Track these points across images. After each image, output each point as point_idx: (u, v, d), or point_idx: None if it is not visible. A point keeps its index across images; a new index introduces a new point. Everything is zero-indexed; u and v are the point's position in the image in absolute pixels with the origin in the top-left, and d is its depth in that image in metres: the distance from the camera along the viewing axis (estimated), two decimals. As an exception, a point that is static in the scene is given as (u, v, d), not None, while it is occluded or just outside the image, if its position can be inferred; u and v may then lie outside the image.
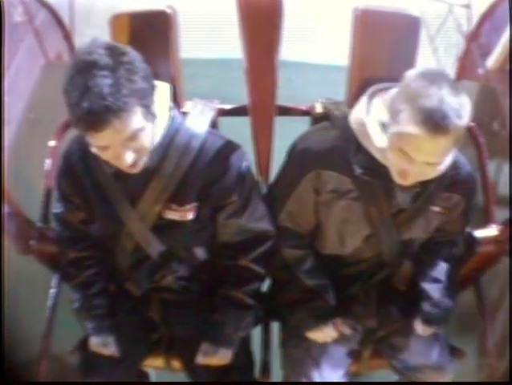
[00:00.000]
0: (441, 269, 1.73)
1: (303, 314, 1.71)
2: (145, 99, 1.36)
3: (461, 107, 1.32)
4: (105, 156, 1.41)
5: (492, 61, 2.10)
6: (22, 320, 1.96)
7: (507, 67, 1.88)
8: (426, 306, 1.71)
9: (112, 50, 1.31)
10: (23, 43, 1.84)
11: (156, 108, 1.43)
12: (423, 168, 1.40)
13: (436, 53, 3.89)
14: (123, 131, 1.33)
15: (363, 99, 1.54)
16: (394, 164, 1.44)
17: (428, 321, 1.71)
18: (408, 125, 1.33)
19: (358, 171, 1.51)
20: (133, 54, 1.35)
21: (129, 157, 1.39)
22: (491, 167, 2.10)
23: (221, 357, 1.70)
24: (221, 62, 3.71)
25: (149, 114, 1.39)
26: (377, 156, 1.48)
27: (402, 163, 1.40)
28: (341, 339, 1.74)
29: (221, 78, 3.57)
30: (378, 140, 1.46)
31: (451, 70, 3.78)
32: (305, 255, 1.71)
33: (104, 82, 1.27)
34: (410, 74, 1.38)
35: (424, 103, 1.31)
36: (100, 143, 1.36)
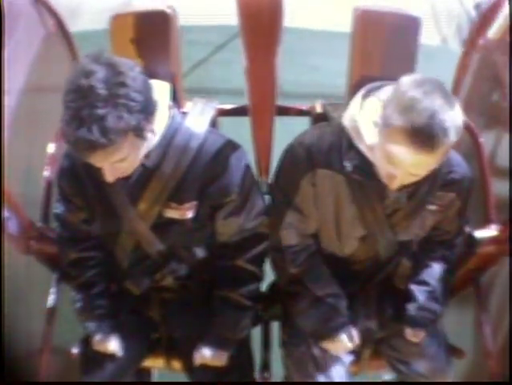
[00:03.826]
0: (432, 271, 1.73)
1: (317, 324, 1.69)
2: (138, 127, 1.37)
3: (451, 124, 1.31)
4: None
5: (493, 31, 2.06)
6: (22, 320, 1.96)
7: (508, 38, 1.86)
8: (411, 310, 1.71)
9: (110, 78, 1.30)
10: (23, 15, 1.82)
11: (155, 124, 1.44)
12: (409, 176, 1.42)
13: (438, 22, 3.88)
14: (110, 159, 1.38)
15: (358, 98, 1.54)
16: (381, 166, 1.44)
17: (413, 324, 1.71)
18: (396, 139, 1.34)
19: (348, 168, 1.51)
20: (131, 81, 1.33)
21: (111, 178, 1.45)
22: (490, 137, 2.09)
23: (217, 359, 1.70)
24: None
25: (143, 136, 1.40)
26: (368, 154, 1.48)
27: (389, 167, 1.41)
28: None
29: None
30: (369, 139, 1.46)
31: (452, 39, 3.78)
32: (311, 265, 1.70)
33: (95, 115, 1.28)
34: (406, 80, 1.37)
35: (414, 119, 1.30)
36: (89, 161, 1.40)
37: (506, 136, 1.91)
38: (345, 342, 1.68)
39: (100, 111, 1.29)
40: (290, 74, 2.99)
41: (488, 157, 1.99)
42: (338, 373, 1.72)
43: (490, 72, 2.09)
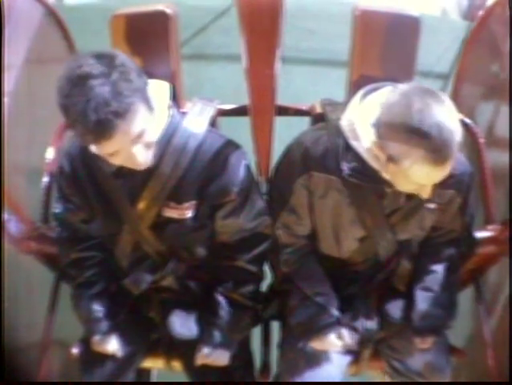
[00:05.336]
0: (437, 277, 1.72)
1: (305, 322, 1.69)
2: (144, 94, 1.38)
3: (455, 126, 1.35)
4: (116, 160, 1.42)
5: (491, 1, 2.06)
6: (22, 320, 1.96)
7: (507, 11, 1.85)
8: (415, 319, 1.70)
9: (101, 57, 1.32)
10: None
11: (153, 102, 1.44)
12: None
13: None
14: (132, 130, 1.35)
15: (356, 100, 1.54)
16: (401, 187, 1.47)
17: (420, 333, 1.70)
18: (415, 168, 1.37)
19: (346, 172, 1.50)
20: (121, 56, 1.36)
21: (141, 155, 1.42)
22: (489, 107, 2.10)
23: (218, 359, 1.70)
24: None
25: (150, 107, 1.41)
26: (365, 156, 1.47)
27: (410, 187, 1.46)
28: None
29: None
30: (367, 141, 1.45)
31: (452, 10, 3.78)
32: (303, 265, 1.71)
33: (104, 89, 1.28)
34: (396, 103, 1.37)
35: (427, 146, 1.33)
36: (109, 150, 1.38)
37: (504, 107, 1.91)
38: (333, 341, 1.67)
39: (106, 85, 1.29)
40: (290, 40, 2.97)
41: (485, 128, 2.00)
42: (328, 372, 1.71)
43: (489, 43, 2.08)
